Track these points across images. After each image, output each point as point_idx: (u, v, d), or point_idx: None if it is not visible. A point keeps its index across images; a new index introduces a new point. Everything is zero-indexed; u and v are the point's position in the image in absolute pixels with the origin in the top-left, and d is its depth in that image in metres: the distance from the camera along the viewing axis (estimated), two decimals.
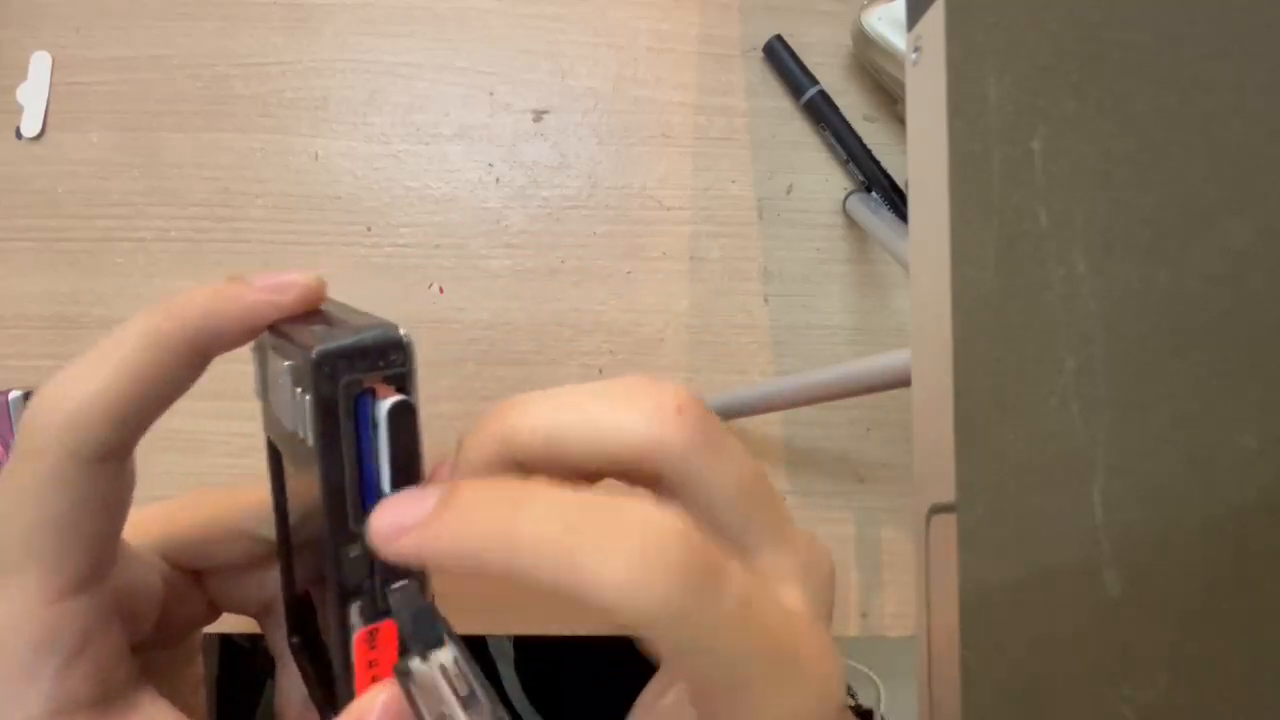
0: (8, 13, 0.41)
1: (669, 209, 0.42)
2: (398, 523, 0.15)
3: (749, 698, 0.14)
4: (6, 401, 0.35)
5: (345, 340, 0.16)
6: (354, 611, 0.17)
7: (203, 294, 0.19)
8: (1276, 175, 0.14)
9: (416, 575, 0.18)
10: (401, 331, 0.17)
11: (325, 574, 0.17)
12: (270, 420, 0.20)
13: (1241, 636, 0.15)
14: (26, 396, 0.36)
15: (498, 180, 0.42)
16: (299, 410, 0.16)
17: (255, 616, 0.24)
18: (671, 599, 0.13)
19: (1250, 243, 0.15)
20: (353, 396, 0.16)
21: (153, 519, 0.22)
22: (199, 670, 0.26)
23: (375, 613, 0.17)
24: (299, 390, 0.16)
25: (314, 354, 0.15)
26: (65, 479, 0.18)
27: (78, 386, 0.18)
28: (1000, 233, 0.15)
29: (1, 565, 0.18)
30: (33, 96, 0.40)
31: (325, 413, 0.16)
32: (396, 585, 0.17)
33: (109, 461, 0.19)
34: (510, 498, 0.15)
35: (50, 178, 0.40)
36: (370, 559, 0.17)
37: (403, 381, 0.17)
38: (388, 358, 0.17)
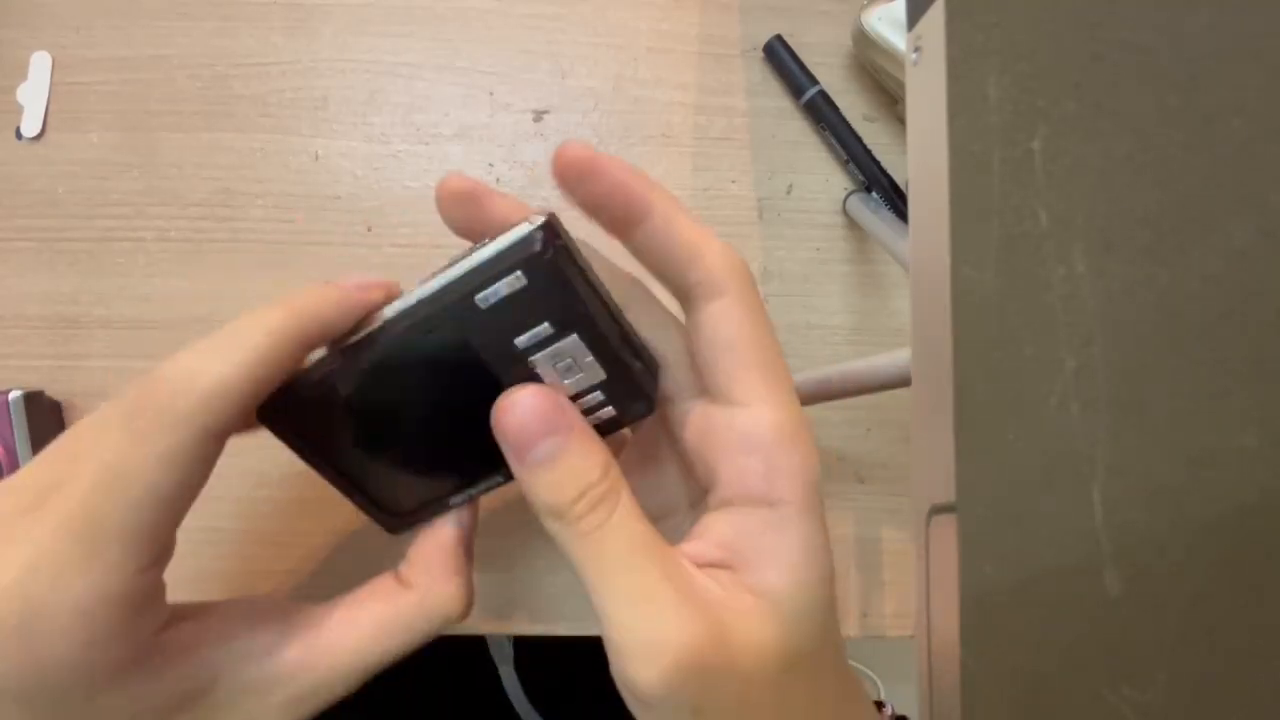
0: (8, 13, 0.41)
1: None
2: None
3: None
4: (6, 401, 0.35)
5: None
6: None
7: (311, 293, 0.22)
8: (1276, 175, 0.14)
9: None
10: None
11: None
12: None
13: (1241, 636, 0.15)
14: (27, 396, 0.36)
15: (498, 180, 0.42)
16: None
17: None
18: None
19: (1250, 243, 0.15)
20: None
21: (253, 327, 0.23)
22: None
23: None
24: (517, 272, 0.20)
25: (545, 217, 0.20)
26: (189, 454, 0.20)
27: (211, 367, 0.20)
28: (1000, 233, 0.15)
29: (104, 533, 0.19)
30: (33, 96, 0.40)
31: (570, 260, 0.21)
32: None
33: (223, 440, 0.21)
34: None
35: (50, 178, 0.40)
36: None
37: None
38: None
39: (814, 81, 0.42)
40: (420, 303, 0.22)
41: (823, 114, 0.42)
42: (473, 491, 0.26)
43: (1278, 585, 0.15)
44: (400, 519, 0.27)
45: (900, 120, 0.44)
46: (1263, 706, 0.15)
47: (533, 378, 0.22)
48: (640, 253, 0.22)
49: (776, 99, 0.43)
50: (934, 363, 0.16)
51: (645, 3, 0.43)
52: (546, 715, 0.60)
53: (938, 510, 0.16)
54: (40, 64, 0.41)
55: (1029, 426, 0.15)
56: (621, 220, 0.21)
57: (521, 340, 0.21)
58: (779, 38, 0.43)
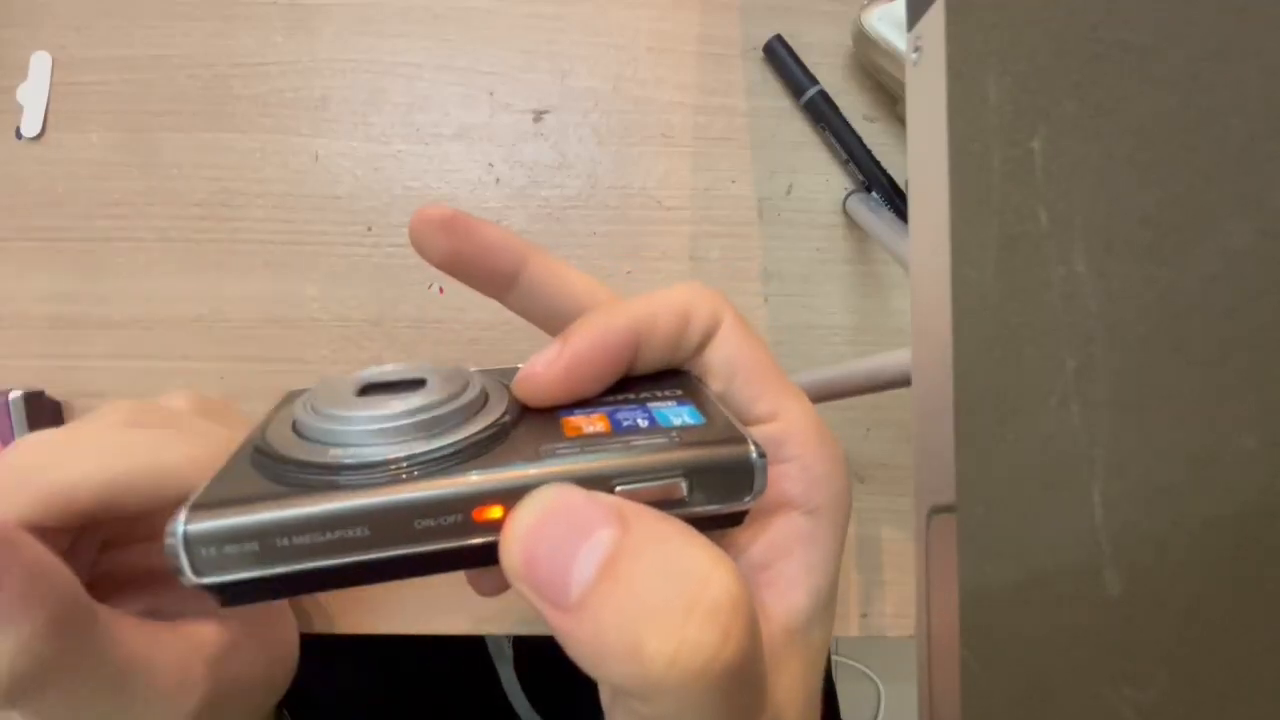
0: (8, 13, 0.41)
1: (669, 209, 0.42)
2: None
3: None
4: (6, 401, 0.35)
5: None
6: None
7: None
8: (1276, 175, 0.14)
9: None
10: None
11: None
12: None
13: (1241, 636, 0.15)
14: (27, 396, 0.36)
15: (498, 180, 0.42)
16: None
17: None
18: None
19: (1250, 243, 0.15)
20: None
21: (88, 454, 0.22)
22: None
23: None
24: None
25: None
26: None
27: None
28: (1000, 233, 0.15)
29: None
30: (33, 96, 0.40)
31: None
32: None
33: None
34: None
35: (50, 178, 0.40)
36: None
37: None
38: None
39: (814, 81, 0.42)
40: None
41: (823, 114, 0.42)
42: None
43: (1278, 585, 0.15)
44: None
45: (900, 120, 0.44)
46: (1263, 706, 0.15)
47: None
48: (525, 300, 0.22)
49: (776, 99, 0.43)
50: (934, 363, 0.16)
51: (645, 3, 0.43)
52: (546, 715, 0.60)
53: (938, 510, 0.16)
54: (40, 64, 0.41)
55: (1029, 426, 0.15)
56: (497, 274, 0.22)
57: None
58: (779, 38, 0.43)
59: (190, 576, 0.15)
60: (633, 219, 0.42)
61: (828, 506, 0.20)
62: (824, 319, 0.42)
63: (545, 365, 0.20)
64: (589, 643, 0.14)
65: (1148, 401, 0.15)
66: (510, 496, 0.16)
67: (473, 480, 0.16)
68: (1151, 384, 0.15)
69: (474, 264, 0.22)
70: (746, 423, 0.21)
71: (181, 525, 0.15)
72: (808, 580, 0.20)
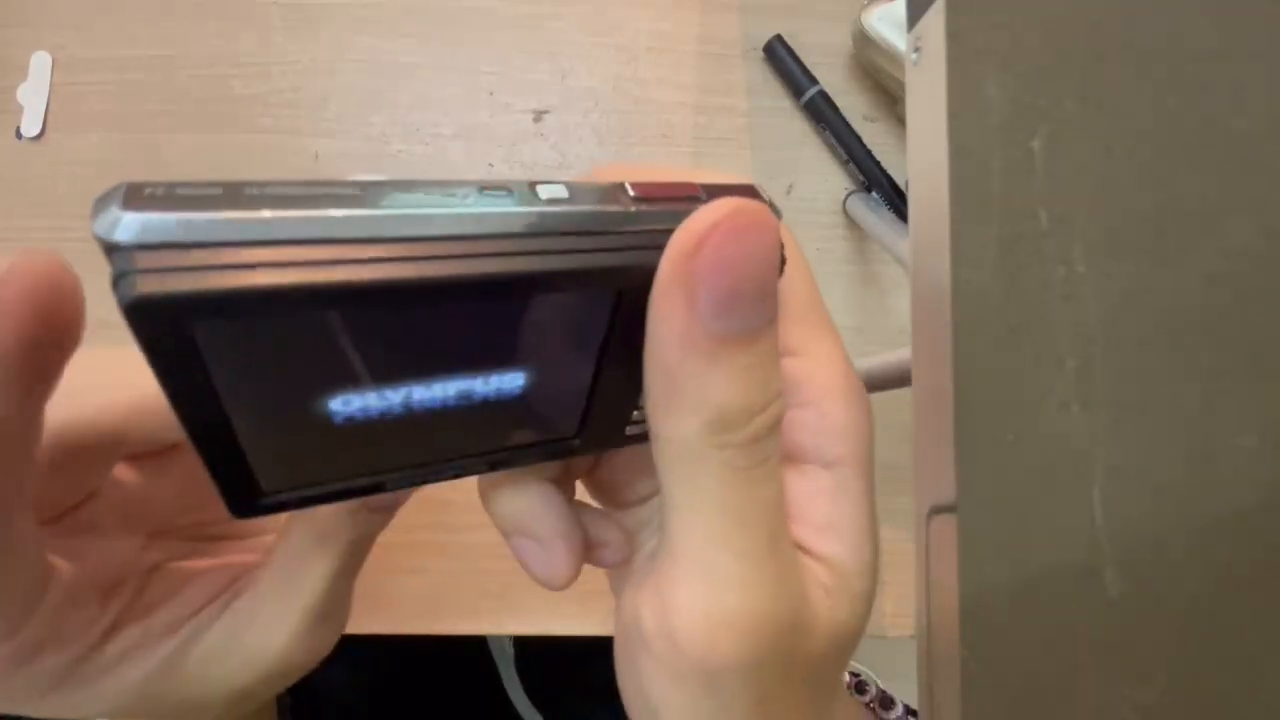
0: (8, 13, 0.41)
1: None
2: None
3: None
4: None
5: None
6: None
7: None
8: (1276, 175, 0.14)
9: None
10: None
11: None
12: None
13: (1241, 636, 0.15)
14: None
15: None
16: None
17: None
18: None
19: (1250, 243, 0.15)
20: None
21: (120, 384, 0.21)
22: None
23: None
24: None
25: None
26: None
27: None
28: (1000, 233, 0.15)
29: None
30: (33, 96, 0.40)
31: None
32: None
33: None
34: None
35: (50, 178, 0.40)
36: None
37: None
38: None
39: (814, 81, 0.42)
40: (563, 226, 0.14)
41: (823, 114, 0.42)
42: (400, 482, 0.17)
43: (1278, 585, 0.15)
44: (260, 498, 0.17)
45: (900, 120, 0.44)
46: (1263, 706, 0.15)
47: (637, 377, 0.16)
48: None
49: (776, 99, 0.43)
50: (934, 363, 0.16)
51: (645, 3, 0.43)
52: (547, 715, 0.60)
53: (938, 510, 0.16)
54: (40, 64, 0.41)
55: (1029, 426, 0.15)
56: None
57: None
58: (779, 38, 0.43)
59: None
60: None
61: (851, 458, 0.18)
62: None
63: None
64: (681, 394, 0.15)
65: (1148, 401, 0.15)
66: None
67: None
68: (1151, 384, 0.15)
69: None
70: None
71: None
72: (841, 536, 0.18)
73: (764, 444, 0.15)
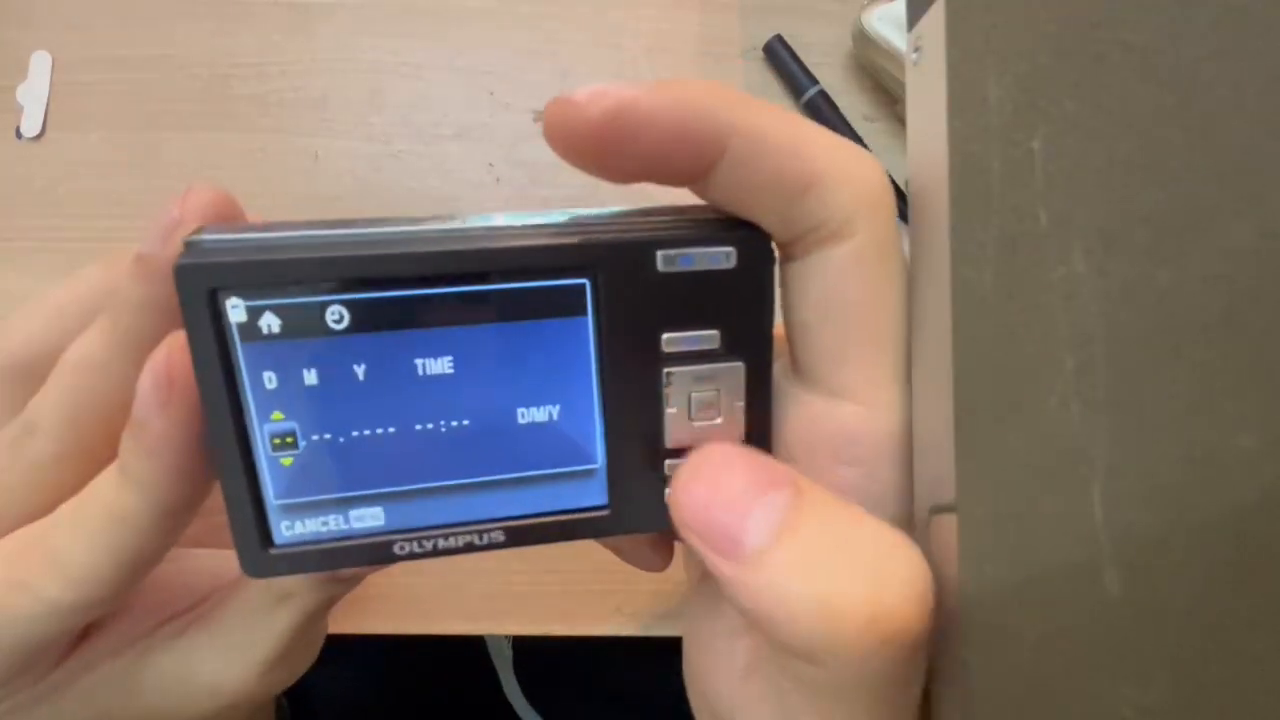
0: (8, 13, 0.41)
1: None
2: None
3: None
4: None
5: None
6: None
7: None
8: (1277, 175, 0.14)
9: None
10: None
11: None
12: None
13: (1241, 636, 0.15)
14: None
15: (498, 180, 0.42)
16: None
17: None
18: None
19: (1250, 243, 0.15)
20: None
21: None
22: None
23: None
24: None
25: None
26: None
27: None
28: (1000, 233, 0.15)
29: None
30: (33, 96, 0.40)
31: None
32: None
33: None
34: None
35: (50, 178, 0.40)
36: None
37: None
38: None
39: (814, 81, 0.42)
40: (555, 227, 0.16)
41: (823, 114, 0.42)
42: (410, 547, 0.17)
43: (1278, 585, 0.15)
44: (275, 554, 0.17)
45: (900, 120, 0.44)
46: (1263, 707, 0.15)
47: (649, 394, 0.16)
48: (719, 191, 0.16)
49: (776, 99, 0.43)
50: (934, 363, 0.16)
51: (645, 3, 0.43)
52: (546, 715, 0.60)
53: (938, 510, 0.16)
54: (40, 64, 0.41)
55: (1029, 426, 0.15)
56: (689, 173, 0.15)
57: (672, 338, 0.16)
58: (779, 38, 0.43)
59: None
60: None
61: (895, 523, 0.16)
62: None
63: (588, 98, 0.15)
64: (767, 595, 0.14)
65: (1148, 401, 0.15)
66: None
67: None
68: (1151, 384, 0.15)
69: (649, 173, 0.16)
70: (814, 382, 0.17)
71: None
72: None
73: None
